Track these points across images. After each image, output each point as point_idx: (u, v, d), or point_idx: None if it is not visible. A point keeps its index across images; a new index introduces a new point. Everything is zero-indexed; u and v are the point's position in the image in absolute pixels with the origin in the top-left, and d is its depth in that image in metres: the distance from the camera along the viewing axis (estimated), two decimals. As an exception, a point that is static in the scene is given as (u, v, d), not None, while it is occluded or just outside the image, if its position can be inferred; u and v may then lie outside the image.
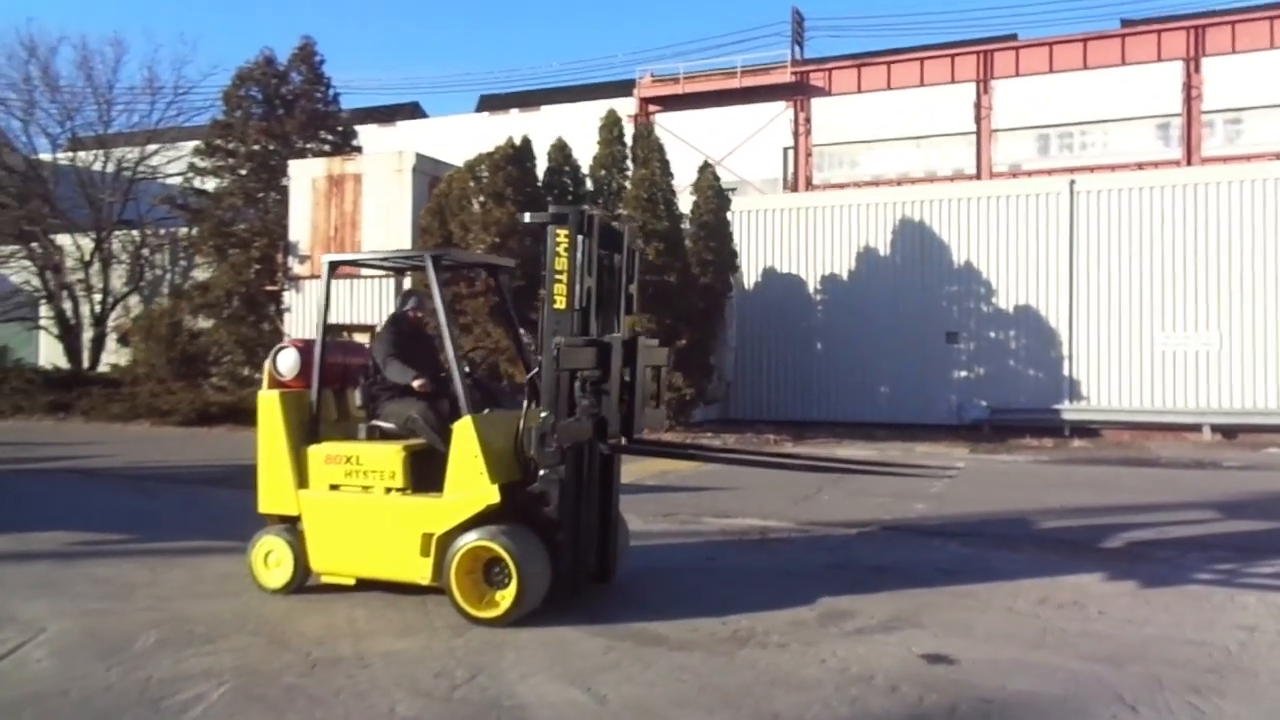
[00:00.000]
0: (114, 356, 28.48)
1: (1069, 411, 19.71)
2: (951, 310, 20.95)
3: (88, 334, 28.85)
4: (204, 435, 19.39)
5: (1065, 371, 20.11)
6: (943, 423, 20.32)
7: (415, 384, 6.37)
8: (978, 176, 27.82)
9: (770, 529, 8.97)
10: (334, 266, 6.88)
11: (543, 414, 5.81)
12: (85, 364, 28.21)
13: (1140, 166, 24.67)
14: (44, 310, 30.12)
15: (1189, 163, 25.87)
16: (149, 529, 8.99)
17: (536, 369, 6.03)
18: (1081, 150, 27.65)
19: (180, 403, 21.77)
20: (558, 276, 5.94)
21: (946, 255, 20.94)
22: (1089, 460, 15.52)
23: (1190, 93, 26.87)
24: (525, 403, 6.05)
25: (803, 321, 21.95)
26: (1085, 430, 19.55)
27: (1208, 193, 19.44)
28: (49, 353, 29.97)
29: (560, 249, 5.92)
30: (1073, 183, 20.57)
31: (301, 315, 22.10)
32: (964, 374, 20.79)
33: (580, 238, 5.97)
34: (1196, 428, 19.01)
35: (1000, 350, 20.65)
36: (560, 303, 5.93)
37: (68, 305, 28.95)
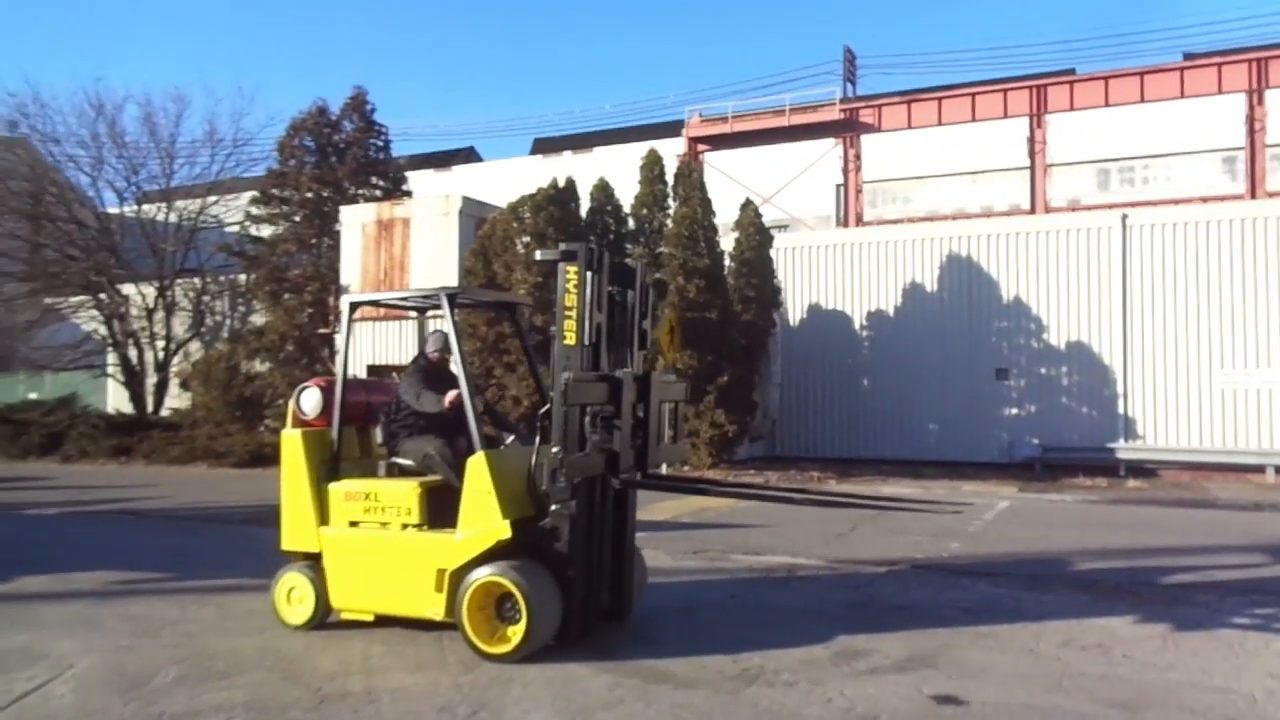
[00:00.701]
0: (177, 401, 29.19)
1: (1124, 450, 19.18)
2: (1001, 346, 20.61)
3: (151, 379, 29.63)
4: (256, 476, 19.74)
5: (1120, 409, 19.60)
6: (993, 461, 19.92)
7: (449, 399, 6.43)
8: (1032, 211, 27.45)
9: (798, 566, 8.86)
10: (354, 307, 7.07)
11: (553, 449, 5.85)
12: (150, 409, 28.94)
13: (1205, 200, 24.13)
14: (110, 357, 31.00)
15: (1253, 196, 25.25)
16: (186, 567, 9.20)
17: (548, 405, 6.08)
18: (1144, 185, 27.12)
19: (235, 445, 22.24)
20: (567, 312, 6.01)
21: (995, 291, 20.65)
22: (1141, 501, 15.07)
23: (1253, 125, 26.30)
24: (537, 438, 6.09)
25: (849, 358, 21.77)
26: (1141, 470, 18.99)
27: (1266, 227, 18.92)
28: (115, 399, 30.82)
29: (570, 285, 6.00)
30: (1125, 217, 20.19)
31: (353, 358, 22.47)
32: (1015, 411, 20.39)
33: (590, 274, 6.04)
34: (1260, 469, 18.35)
35: (1052, 387, 20.23)
36: (570, 338, 6.00)
37: (133, 352, 29.77)
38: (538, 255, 6.44)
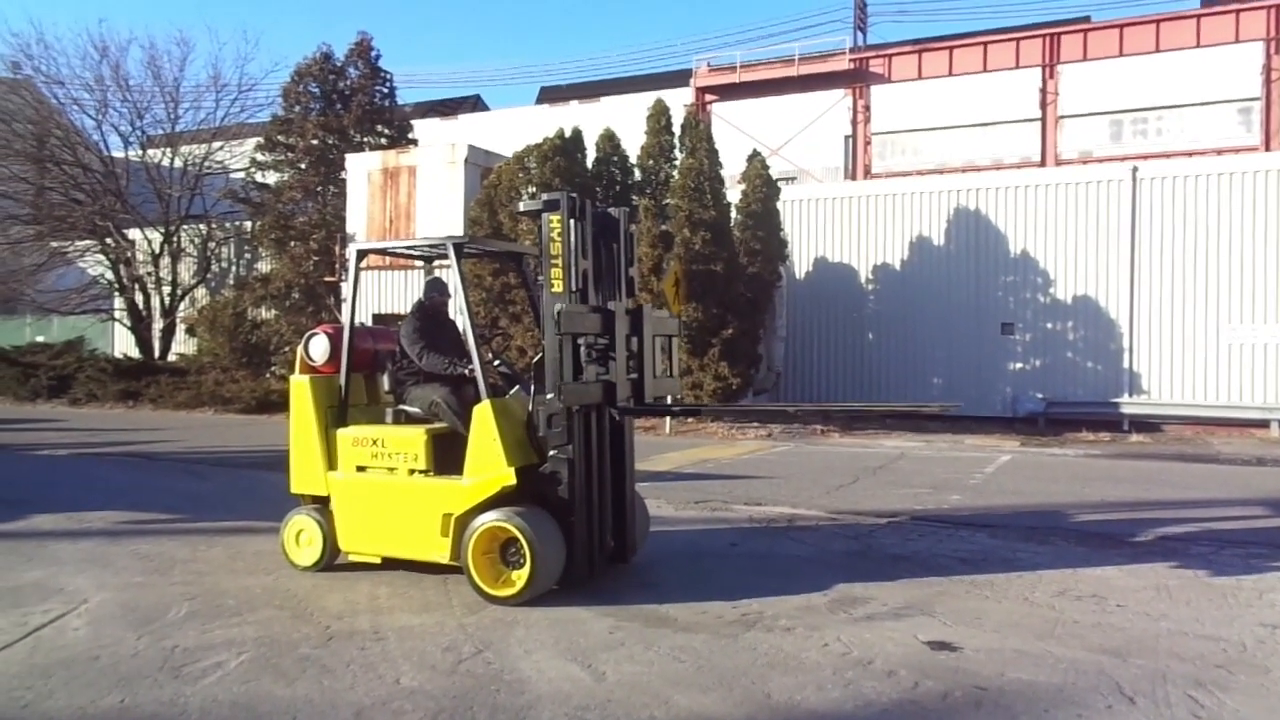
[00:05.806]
0: (183, 346, 29.42)
1: (1128, 405, 19.23)
2: (1007, 300, 20.58)
3: (158, 325, 29.81)
4: (263, 422, 19.92)
5: (1125, 364, 19.62)
6: (997, 415, 19.97)
7: (463, 371, 6.53)
8: (1043, 163, 27.19)
9: (799, 517, 8.96)
10: (361, 255, 7.10)
11: (548, 395, 5.94)
12: (156, 354, 29.15)
13: (1220, 153, 23.87)
14: (117, 302, 31.13)
15: (1268, 148, 24.96)
16: (196, 509, 9.34)
17: (542, 354, 6.14)
18: (1157, 136, 26.76)
19: (242, 391, 22.45)
20: (553, 261, 6.07)
21: (1002, 244, 20.57)
22: (1143, 455, 15.14)
23: (1270, 75, 25.90)
24: (532, 386, 6.18)
25: (854, 311, 21.77)
26: (1145, 425, 19.05)
27: (1276, 180, 18.78)
28: (122, 343, 31.02)
29: (554, 234, 6.05)
30: (1135, 169, 20.02)
31: (360, 305, 22.52)
32: (1019, 366, 20.42)
33: (573, 222, 6.10)
34: (1264, 424, 18.40)
35: (1058, 342, 20.23)
36: (557, 286, 6.06)
37: (139, 297, 29.92)
38: (521, 206, 6.52)
